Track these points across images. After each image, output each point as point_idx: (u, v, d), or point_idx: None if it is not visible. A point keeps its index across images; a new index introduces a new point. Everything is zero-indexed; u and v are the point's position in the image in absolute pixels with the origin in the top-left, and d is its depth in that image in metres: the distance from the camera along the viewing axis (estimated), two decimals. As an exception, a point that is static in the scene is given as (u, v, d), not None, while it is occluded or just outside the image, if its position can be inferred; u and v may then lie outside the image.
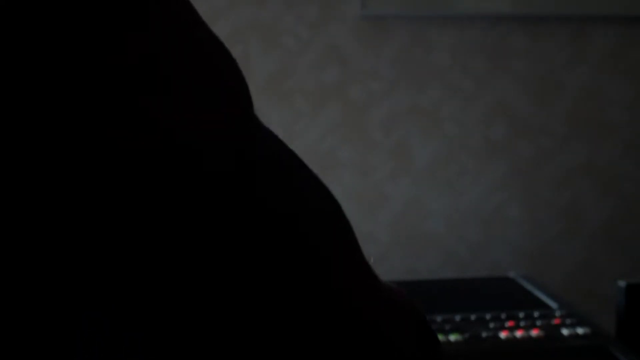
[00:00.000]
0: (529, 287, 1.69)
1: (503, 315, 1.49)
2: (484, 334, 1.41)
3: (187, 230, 0.35)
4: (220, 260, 0.36)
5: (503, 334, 1.41)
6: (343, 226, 0.41)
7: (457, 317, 1.49)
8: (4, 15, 0.33)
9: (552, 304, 1.57)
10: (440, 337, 1.41)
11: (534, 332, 1.42)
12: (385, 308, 0.41)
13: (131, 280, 0.35)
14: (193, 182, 0.35)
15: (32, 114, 0.33)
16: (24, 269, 0.34)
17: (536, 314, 1.50)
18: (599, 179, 2.05)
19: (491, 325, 1.45)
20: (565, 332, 1.42)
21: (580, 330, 1.42)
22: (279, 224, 0.37)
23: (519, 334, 1.41)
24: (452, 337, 1.40)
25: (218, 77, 0.37)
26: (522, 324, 1.46)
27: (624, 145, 2.05)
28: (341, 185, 1.99)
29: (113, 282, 0.35)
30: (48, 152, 0.33)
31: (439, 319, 1.49)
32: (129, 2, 0.35)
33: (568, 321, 1.47)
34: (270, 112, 1.96)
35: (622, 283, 1.49)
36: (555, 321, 1.47)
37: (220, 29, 1.91)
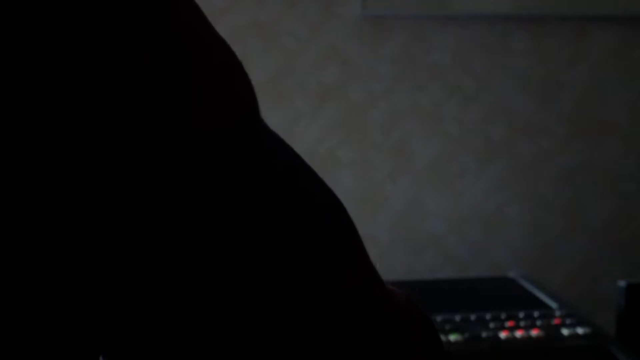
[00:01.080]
0: (529, 287, 1.69)
1: (503, 315, 1.49)
2: (484, 334, 1.41)
3: (197, 232, 0.35)
4: (231, 262, 0.36)
5: (503, 334, 1.41)
6: (350, 229, 0.41)
7: (457, 317, 1.49)
8: (15, 15, 0.32)
9: (552, 304, 1.57)
10: (440, 337, 1.41)
11: (534, 332, 1.42)
12: (395, 310, 0.41)
13: (133, 282, 0.35)
14: (203, 183, 0.35)
15: (31, 113, 0.33)
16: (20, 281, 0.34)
17: (536, 314, 1.50)
18: (599, 179, 2.05)
19: (491, 325, 1.45)
20: (565, 332, 1.42)
21: (580, 330, 1.42)
22: (288, 223, 0.37)
23: (519, 334, 1.41)
24: (452, 337, 1.40)
25: (226, 79, 0.37)
26: (522, 324, 1.46)
27: (624, 145, 2.05)
28: (341, 185, 1.99)
29: (111, 288, 0.35)
30: (42, 155, 0.33)
31: (439, 319, 1.49)
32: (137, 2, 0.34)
33: (568, 321, 1.47)
34: (270, 112, 1.96)
35: (622, 283, 1.49)
36: (555, 321, 1.47)
37: (220, 29, 1.90)
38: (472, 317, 1.49)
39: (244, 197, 0.36)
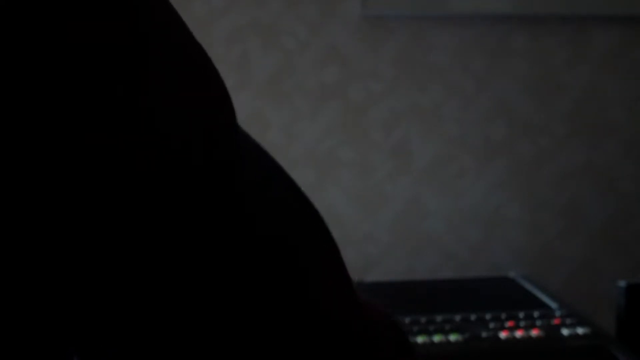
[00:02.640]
0: (529, 287, 1.70)
1: (503, 315, 1.49)
2: (484, 334, 1.41)
3: (168, 241, 0.35)
4: (200, 272, 0.35)
5: (503, 334, 1.41)
6: (325, 240, 0.41)
7: (457, 317, 1.49)
8: (17, 21, 0.32)
9: (552, 304, 1.57)
10: (440, 337, 1.41)
11: (534, 332, 1.42)
12: (364, 319, 0.41)
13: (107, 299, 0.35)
14: (175, 191, 0.35)
15: (31, 112, 0.33)
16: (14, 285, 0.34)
17: (536, 314, 1.50)
18: (599, 179, 2.05)
19: (491, 325, 1.45)
20: (565, 332, 1.42)
21: (580, 330, 1.42)
22: (256, 232, 0.37)
23: (519, 334, 1.41)
24: (452, 337, 1.40)
25: (205, 86, 0.37)
26: (522, 324, 1.46)
27: (624, 145, 2.05)
28: (341, 185, 1.99)
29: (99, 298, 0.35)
30: (42, 155, 0.33)
31: (439, 319, 1.49)
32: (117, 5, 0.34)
33: (568, 321, 1.47)
34: (270, 112, 1.96)
35: (622, 283, 1.49)
36: (555, 321, 1.47)
37: (220, 29, 1.91)
38: (472, 317, 1.49)
39: (217, 205, 0.36)
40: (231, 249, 0.36)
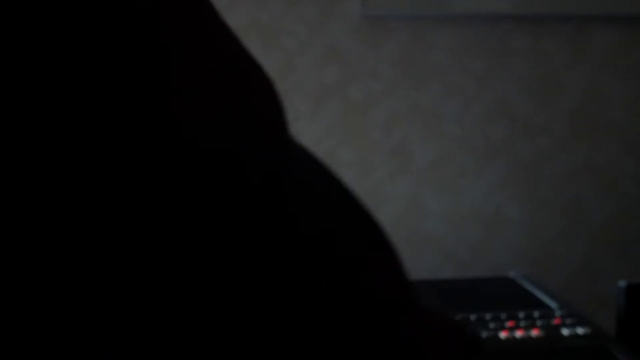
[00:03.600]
0: (529, 287, 1.70)
1: (503, 315, 1.49)
2: (484, 334, 1.41)
3: (197, 231, 0.35)
4: (196, 272, 0.35)
5: (503, 334, 1.41)
6: (381, 245, 0.40)
7: (457, 317, 1.49)
8: (18, 19, 0.32)
9: (552, 304, 1.57)
10: None
11: (534, 332, 1.42)
12: (425, 327, 0.41)
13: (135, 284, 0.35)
14: (175, 190, 0.35)
15: (31, 112, 0.33)
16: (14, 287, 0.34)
17: (536, 314, 1.50)
18: (599, 179, 2.05)
19: (491, 325, 1.45)
20: (565, 332, 1.42)
21: (580, 330, 1.42)
22: (312, 243, 0.37)
23: (519, 334, 1.41)
24: (452, 337, 1.40)
25: (256, 95, 0.37)
26: (522, 324, 1.46)
27: (624, 145, 2.05)
28: (341, 185, 1.99)
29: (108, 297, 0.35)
30: (43, 155, 0.33)
31: (439, 319, 1.49)
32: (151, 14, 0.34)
33: (568, 321, 1.47)
34: (270, 112, 1.96)
35: (622, 283, 1.49)
36: (555, 321, 1.47)
37: (220, 29, 1.91)
38: (472, 317, 1.49)
39: (218, 201, 0.35)
40: (234, 248, 0.36)
